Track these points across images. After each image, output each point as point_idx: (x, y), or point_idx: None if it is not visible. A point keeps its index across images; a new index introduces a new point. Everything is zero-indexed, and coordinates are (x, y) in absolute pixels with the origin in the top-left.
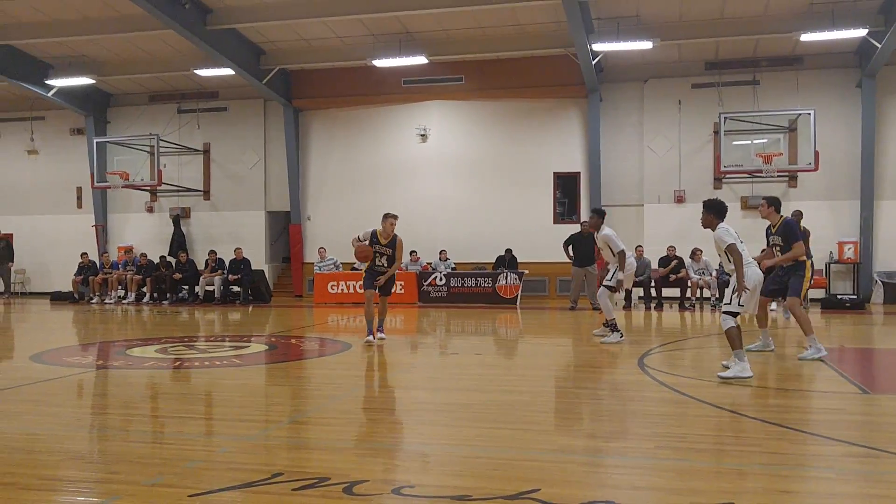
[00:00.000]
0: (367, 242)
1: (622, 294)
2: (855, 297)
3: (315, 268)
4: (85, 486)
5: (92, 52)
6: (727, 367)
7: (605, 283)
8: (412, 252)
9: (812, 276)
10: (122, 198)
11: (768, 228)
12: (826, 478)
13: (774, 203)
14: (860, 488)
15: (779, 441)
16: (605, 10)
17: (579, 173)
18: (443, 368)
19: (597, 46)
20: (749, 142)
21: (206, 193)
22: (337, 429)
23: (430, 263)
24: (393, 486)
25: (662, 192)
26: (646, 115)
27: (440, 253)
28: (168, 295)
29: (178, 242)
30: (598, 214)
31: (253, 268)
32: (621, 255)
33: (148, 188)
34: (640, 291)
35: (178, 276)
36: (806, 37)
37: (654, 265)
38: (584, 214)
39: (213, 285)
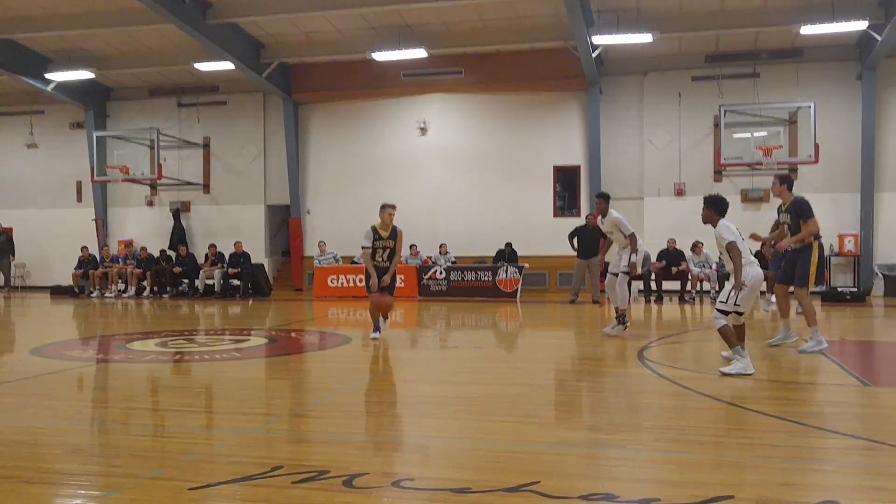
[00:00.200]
0: (368, 243)
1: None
2: (855, 289)
3: (315, 261)
4: (86, 480)
5: (91, 45)
6: (728, 360)
7: (621, 269)
8: (412, 246)
9: (821, 258)
10: (122, 192)
11: (779, 208)
12: (826, 470)
13: (787, 181)
14: (861, 481)
15: (779, 434)
16: (604, 3)
17: (579, 166)
18: (443, 362)
19: (597, 39)
20: (749, 135)
21: (206, 187)
22: (337, 422)
23: (430, 257)
24: (393, 479)
25: (662, 185)
26: (646, 108)
27: (440, 247)
28: (168, 288)
29: (178, 236)
30: (604, 199)
31: (253, 261)
32: (632, 238)
33: (148, 182)
34: (640, 284)
35: (178, 269)
36: (806, 29)
37: (654, 258)
38: (585, 208)
39: (213, 279)
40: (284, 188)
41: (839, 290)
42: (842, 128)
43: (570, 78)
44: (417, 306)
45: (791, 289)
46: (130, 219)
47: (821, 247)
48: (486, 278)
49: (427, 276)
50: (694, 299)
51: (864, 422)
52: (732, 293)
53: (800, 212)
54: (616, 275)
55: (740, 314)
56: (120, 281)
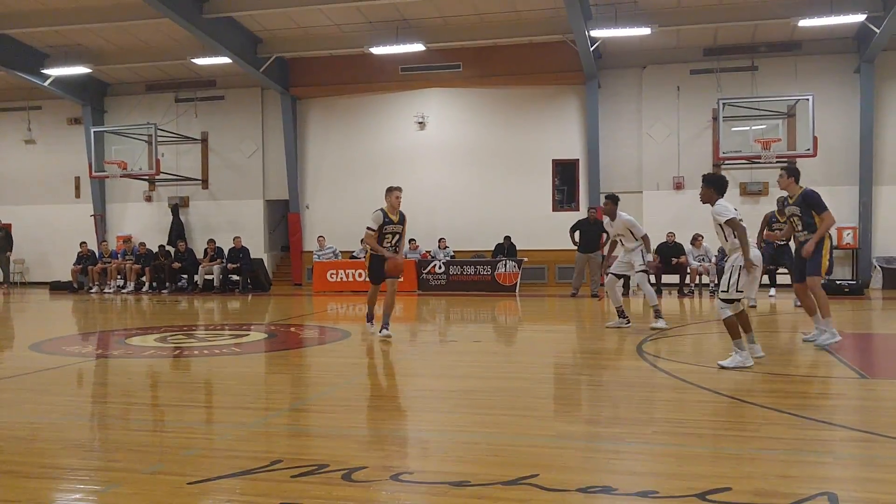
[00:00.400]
0: (375, 226)
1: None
2: (854, 282)
3: (314, 256)
4: (85, 475)
5: (88, 41)
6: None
7: (638, 268)
8: (411, 240)
9: (832, 249)
10: (120, 187)
11: (784, 200)
12: (824, 462)
13: (794, 174)
14: (858, 472)
15: (777, 426)
16: None
17: (578, 160)
18: (442, 356)
19: (595, 33)
20: (748, 128)
21: (205, 182)
22: (336, 416)
23: (430, 251)
24: (392, 473)
25: (661, 178)
26: (644, 101)
27: (439, 241)
28: (167, 284)
29: (177, 231)
30: (613, 201)
31: (252, 256)
32: (646, 239)
33: (146, 177)
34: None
35: (176, 265)
36: (804, 22)
37: (653, 251)
38: (584, 201)
39: (212, 274)
40: (283, 183)
41: (838, 282)
42: (840, 121)
43: (568, 72)
44: (416, 301)
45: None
46: (129, 214)
47: (830, 236)
48: (485, 272)
49: (426, 271)
50: (693, 292)
51: (861, 414)
52: (733, 279)
53: (813, 205)
54: (618, 276)
55: (748, 300)
56: (119, 276)
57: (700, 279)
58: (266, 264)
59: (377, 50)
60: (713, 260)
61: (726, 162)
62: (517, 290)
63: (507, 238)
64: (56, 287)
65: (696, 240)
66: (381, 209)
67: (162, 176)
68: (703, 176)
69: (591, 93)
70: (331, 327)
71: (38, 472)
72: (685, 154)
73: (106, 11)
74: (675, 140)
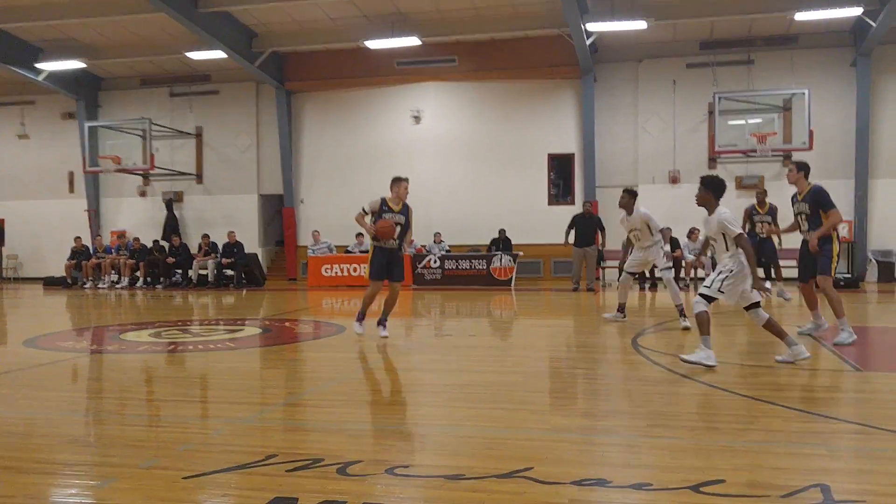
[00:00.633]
0: (369, 210)
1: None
2: (850, 275)
3: (309, 251)
4: (81, 470)
5: (82, 35)
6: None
7: (663, 267)
8: None
9: (839, 249)
10: (114, 182)
11: (794, 196)
12: (817, 454)
13: (804, 168)
14: (851, 464)
15: (771, 419)
16: None
17: (574, 154)
18: (437, 350)
19: (591, 26)
20: (744, 122)
21: (199, 177)
22: (331, 411)
23: (425, 246)
24: (387, 466)
25: (657, 172)
26: (640, 95)
27: (434, 235)
28: (161, 279)
29: (171, 226)
30: (631, 194)
31: (246, 251)
32: (664, 233)
33: (140, 172)
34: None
35: (171, 260)
36: (800, 16)
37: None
38: (579, 195)
39: (207, 269)
40: (278, 178)
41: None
42: (836, 114)
43: (564, 66)
44: (412, 295)
45: (767, 281)
46: (123, 209)
47: (838, 236)
48: (480, 267)
49: (421, 265)
50: (688, 286)
51: (855, 406)
52: (720, 281)
53: (822, 202)
54: (633, 274)
55: (756, 304)
56: (113, 272)
57: (695, 273)
58: (260, 259)
59: (372, 44)
60: (710, 254)
61: (722, 156)
62: (513, 285)
63: (502, 231)
64: (50, 283)
65: (691, 233)
66: (383, 197)
67: (156, 171)
68: (702, 178)
69: (587, 87)
70: (326, 322)
71: (33, 467)
72: (681, 148)
73: (100, 6)
74: (671, 134)
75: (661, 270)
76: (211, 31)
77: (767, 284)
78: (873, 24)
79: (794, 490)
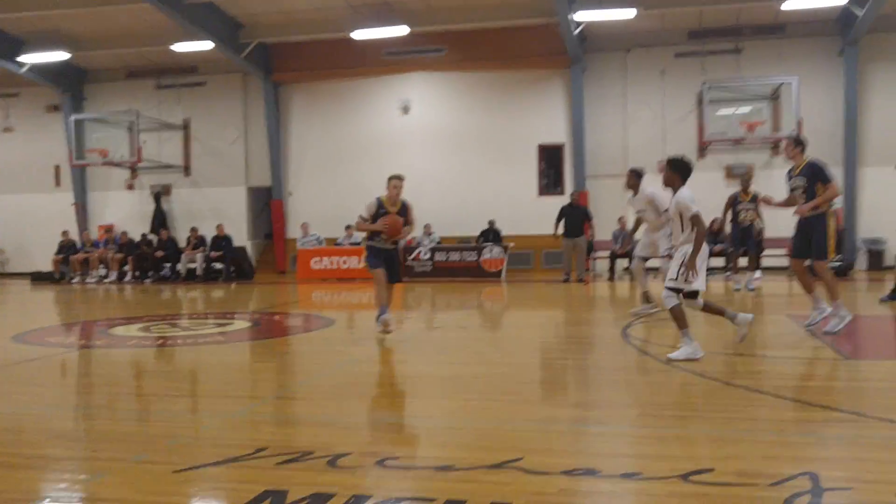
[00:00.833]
0: (367, 215)
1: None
2: (839, 263)
3: (298, 244)
4: (70, 464)
5: (66, 26)
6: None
7: (663, 253)
8: None
9: (836, 226)
10: (101, 175)
11: (789, 172)
12: (806, 443)
13: (801, 143)
14: (840, 452)
15: (760, 408)
16: None
17: (564, 145)
18: (427, 343)
19: (579, 15)
20: (732, 111)
21: (187, 170)
22: (321, 404)
23: (415, 238)
24: (377, 459)
25: (647, 162)
26: (629, 85)
27: (424, 227)
28: (150, 273)
29: (159, 220)
30: (637, 175)
31: (235, 244)
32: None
33: (127, 165)
34: (625, 262)
35: (159, 253)
36: (788, 5)
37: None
38: (569, 186)
39: (196, 263)
40: (266, 170)
41: None
42: (824, 103)
43: (553, 55)
44: (402, 288)
45: (807, 262)
46: (110, 203)
47: (835, 214)
48: (470, 259)
49: (412, 258)
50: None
51: (844, 395)
52: (682, 269)
53: (820, 175)
54: (644, 258)
55: (695, 294)
56: (101, 266)
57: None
58: (249, 252)
59: (360, 34)
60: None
61: (711, 145)
62: (503, 277)
63: (492, 223)
64: (37, 278)
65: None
66: (378, 198)
67: (143, 164)
68: (669, 159)
69: (575, 76)
70: (316, 315)
71: (23, 462)
72: (670, 137)
73: None
74: (661, 123)
75: (661, 256)
76: (197, 22)
77: (757, 274)
78: (860, 13)
79: (783, 478)
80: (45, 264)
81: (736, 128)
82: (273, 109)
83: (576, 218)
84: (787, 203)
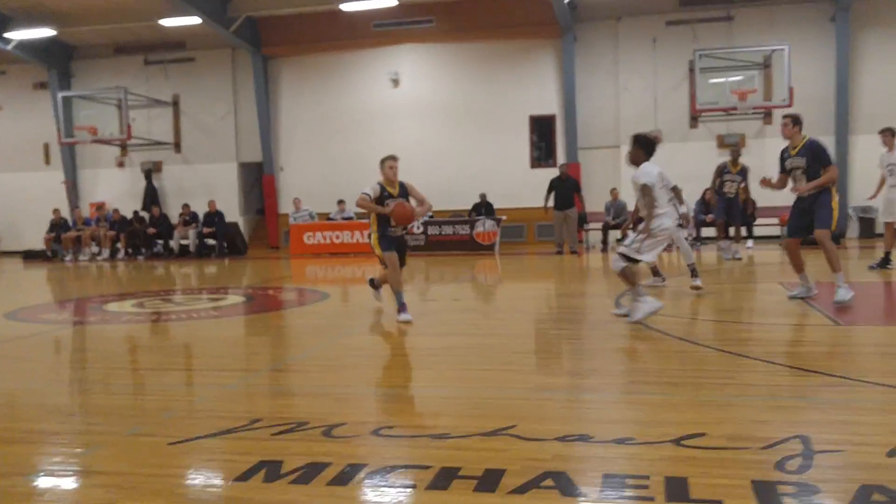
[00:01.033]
0: (371, 193)
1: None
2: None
3: (290, 219)
4: (66, 438)
5: (52, 2)
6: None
7: (678, 221)
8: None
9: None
10: (91, 153)
11: (784, 151)
12: (798, 407)
13: (799, 122)
14: (830, 416)
15: (752, 373)
16: None
17: (555, 115)
18: (422, 315)
19: None
20: (724, 79)
21: (177, 146)
22: (316, 376)
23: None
24: (372, 428)
25: (639, 132)
26: (620, 54)
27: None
28: (142, 250)
29: (151, 197)
30: (642, 145)
31: (227, 220)
32: (676, 190)
33: (117, 143)
34: (617, 234)
35: (152, 230)
36: None
37: (631, 207)
38: (562, 157)
39: (188, 239)
40: (257, 145)
41: None
42: (816, 70)
43: (543, 25)
44: None
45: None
46: (101, 180)
47: (837, 191)
48: (463, 232)
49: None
50: (670, 246)
51: (835, 360)
52: (637, 238)
53: (820, 156)
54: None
55: (637, 261)
56: (93, 244)
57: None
58: (241, 228)
59: (348, 6)
60: (692, 213)
61: (703, 114)
62: (496, 249)
63: (483, 196)
64: (29, 256)
65: (674, 191)
66: (380, 182)
67: (134, 141)
68: (634, 136)
69: (566, 46)
70: (309, 289)
71: (19, 437)
72: (662, 107)
73: None
74: (652, 93)
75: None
76: None
77: (749, 244)
78: None
79: (775, 441)
80: (37, 243)
81: (728, 96)
82: (262, 84)
83: (566, 190)
84: (780, 184)
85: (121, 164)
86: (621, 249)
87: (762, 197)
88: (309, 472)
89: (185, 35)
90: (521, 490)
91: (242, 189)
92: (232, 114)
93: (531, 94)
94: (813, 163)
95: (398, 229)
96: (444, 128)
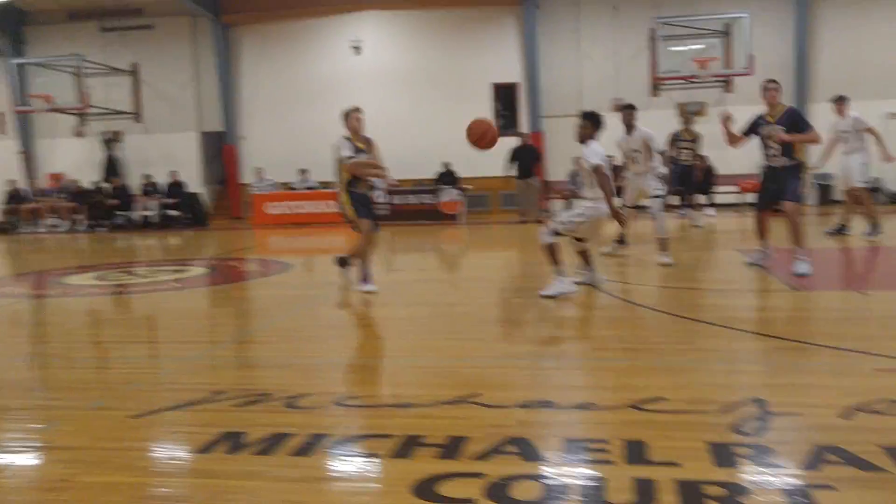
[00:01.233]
0: (350, 153)
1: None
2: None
3: (252, 189)
4: (25, 414)
5: None
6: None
7: (654, 194)
8: None
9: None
10: (47, 122)
11: (761, 117)
12: (754, 370)
13: (780, 89)
14: (786, 378)
15: (712, 339)
16: None
17: (518, 84)
18: (387, 286)
19: None
20: (685, 48)
21: (137, 116)
22: (280, 347)
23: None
24: (335, 399)
25: (601, 100)
26: (582, 21)
27: None
28: (103, 222)
29: (111, 167)
30: (632, 109)
31: (189, 191)
32: (665, 156)
33: (74, 112)
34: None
35: (112, 201)
36: None
37: None
38: (525, 125)
39: (149, 210)
40: (218, 114)
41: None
42: (775, 38)
43: None
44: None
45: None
46: (59, 151)
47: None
48: (428, 201)
49: None
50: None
51: (791, 324)
52: (575, 221)
53: (799, 124)
54: (636, 207)
55: (580, 240)
56: (52, 215)
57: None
58: (203, 198)
59: None
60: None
61: (665, 82)
62: (460, 219)
63: (447, 165)
64: None
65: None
66: (345, 136)
67: (92, 110)
68: (584, 113)
69: (528, 13)
70: (273, 260)
71: None
72: (624, 75)
73: None
74: (613, 61)
75: (651, 197)
76: None
77: (711, 211)
78: None
79: (732, 404)
80: None
81: (688, 65)
82: (224, 52)
83: (527, 159)
84: (737, 140)
85: (79, 134)
86: (556, 227)
87: (723, 164)
88: (272, 443)
89: (142, 2)
90: (483, 456)
91: (205, 159)
92: (193, 83)
93: (494, 61)
94: (792, 130)
95: (365, 187)
96: (407, 96)
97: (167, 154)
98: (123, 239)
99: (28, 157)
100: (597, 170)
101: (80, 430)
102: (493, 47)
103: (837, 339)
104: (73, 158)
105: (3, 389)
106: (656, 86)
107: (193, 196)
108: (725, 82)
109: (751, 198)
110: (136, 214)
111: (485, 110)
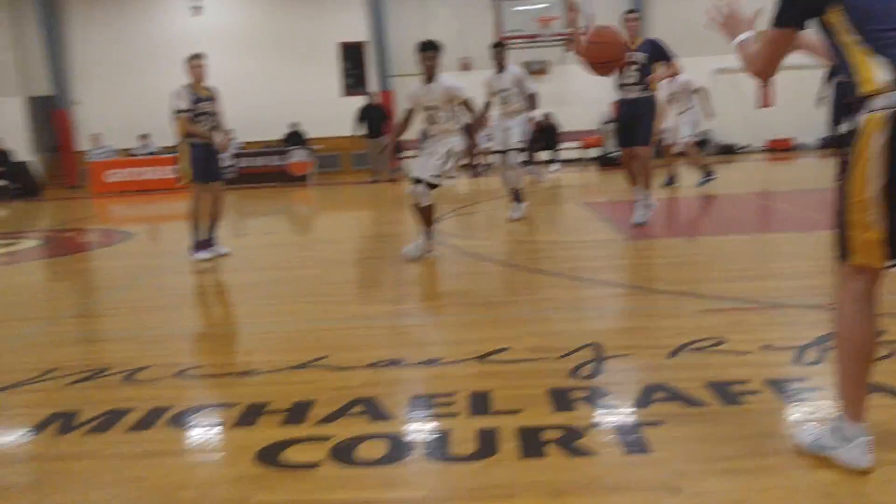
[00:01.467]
0: (186, 105)
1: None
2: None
3: (90, 156)
4: None
5: None
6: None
7: (514, 145)
8: None
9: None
10: None
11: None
12: (591, 317)
13: (640, 19)
14: (620, 323)
15: (554, 289)
16: None
17: (365, 42)
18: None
19: None
20: (528, 7)
21: None
22: (120, 320)
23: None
24: (177, 370)
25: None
26: None
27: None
28: None
29: None
30: (503, 47)
31: (16, 160)
32: (533, 99)
33: None
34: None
35: None
36: None
37: None
38: (373, 85)
39: None
40: (46, 78)
41: (610, 155)
42: None
43: None
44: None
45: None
46: None
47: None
48: (276, 163)
49: None
50: (482, 172)
51: (627, 271)
52: (447, 162)
53: (662, 52)
54: (505, 152)
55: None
56: None
57: (487, 159)
58: (34, 167)
59: None
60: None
61: (509, 42)
62: (310, 180)
63: (295, 125)
64: None
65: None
66: (186, 85)
67: None
68: (423, 43)
69: None
70: (114, 230)
71: None
72: (469, 34)
73: None
74: (459, 20)
75: (510, 149)
76: None
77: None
78: None
79: (570, 350)
80: None
81: (531, 24)
82: (49, 11)
83: (376, 118)
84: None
85: None
86: (432, 180)
87: (567, 122)
88: (108, 420)
89: None
90: (329, 419)
91: (33, 125)
92: (14, 45)
93: (340, 20)
94: (654, 59)
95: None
96: (251, 57)
97: None
98: None
99: None
100: (468, 102)
101: None
102: (339, 5)
103: (669, 284)
104: None
105: None
106: (501, 44)
107: (22, 164)
108: (566, 41)
109: (593, 153)
110: None
111: (332, 70)
